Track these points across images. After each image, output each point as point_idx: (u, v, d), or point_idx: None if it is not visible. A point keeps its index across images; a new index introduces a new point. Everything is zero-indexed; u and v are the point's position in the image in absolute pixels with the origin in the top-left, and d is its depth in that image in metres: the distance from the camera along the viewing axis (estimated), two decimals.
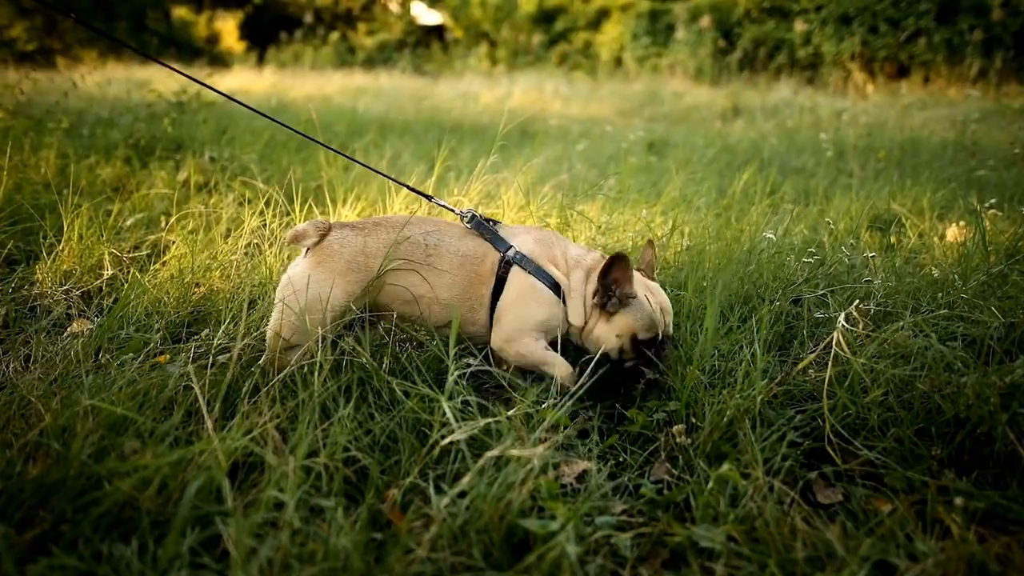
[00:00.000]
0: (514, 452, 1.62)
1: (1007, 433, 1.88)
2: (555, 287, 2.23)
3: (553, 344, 2.24)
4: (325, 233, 2.22)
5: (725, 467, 1.75)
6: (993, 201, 3.99)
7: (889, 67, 14.55)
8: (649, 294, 2.24)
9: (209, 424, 1.64)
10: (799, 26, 15.23)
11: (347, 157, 2.51)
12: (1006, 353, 2.39)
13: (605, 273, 2.16)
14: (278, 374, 2.00)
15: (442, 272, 2.24)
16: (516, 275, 2.23)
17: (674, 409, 2.12)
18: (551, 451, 1.67)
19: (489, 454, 1.62)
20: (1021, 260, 2.81)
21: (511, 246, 2.25)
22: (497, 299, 2.24)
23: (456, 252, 2.25)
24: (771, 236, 2.87)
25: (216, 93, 2.51)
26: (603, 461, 2.00)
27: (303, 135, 2.62)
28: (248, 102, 9.06)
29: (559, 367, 2.20)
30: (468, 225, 2.31)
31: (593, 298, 2.22)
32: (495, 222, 2.38)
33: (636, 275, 2.27)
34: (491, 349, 2.28)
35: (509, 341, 2.21)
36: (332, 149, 2.73)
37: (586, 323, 2.23)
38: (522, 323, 2.20)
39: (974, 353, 2.27)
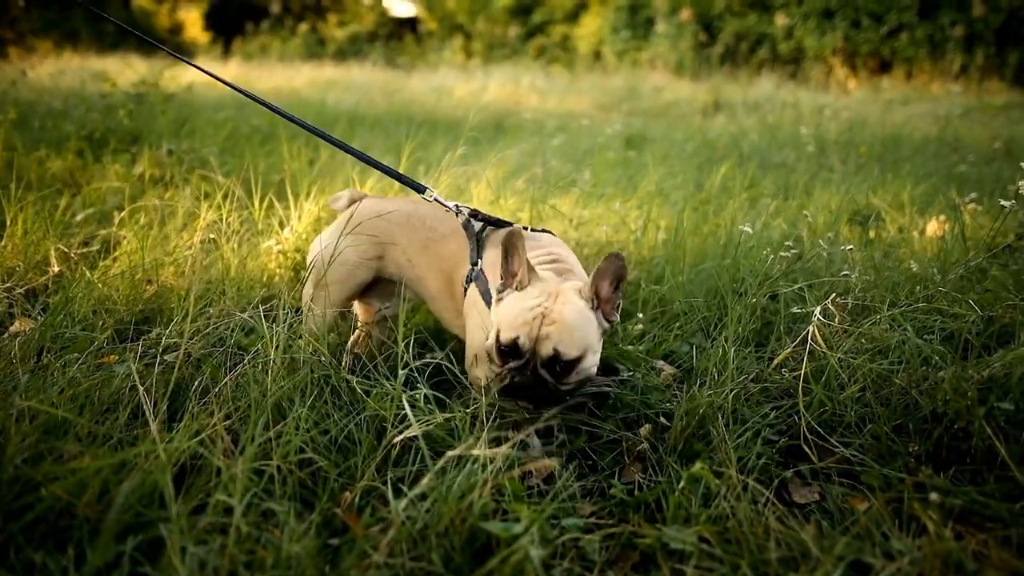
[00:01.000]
0: (476, 452, 1.59)
1: (984, 428, 1.89)
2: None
3: None
4: (357, 201, 2.43)
5: (697, 466, 1.74)
6: (973, 196, 4.04)
7: (871, 62, 14.75)
8: (545, 295, 1.88)
9: (153, 425, 1.59)
10: (780, 20, 15.39)
11: (358, 154, 2.47)
12: (984, 347, 2.41)
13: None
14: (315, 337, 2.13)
15: (431, 261, 2.23)
16: (471, 292, 2.10)
17: (640, 407, 2.11)
18: (516, 450, 1.65)
19: (450, 453, 1.59)
20: (999, 254, 2.84)
21: (479, 259, 2.13)
22: None
23: (445, 248, 2.21)
24: (747, 229, 2.87)
25: (222, 84, 2.52)
26: (571, 461, 1.98)
27: (317, 131, 2.52)
28: (212, 95, 8.93)
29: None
30: (463, 226, 2.22)
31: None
32: (500, 221, 2.23)
33: (549, 272, 2.02)
34: None
35: (468, 367, 2.08)
36: (343, 146, 2.54)
37: None
38: (469, 347, 2.07)
39: (952, 347, 2.28)
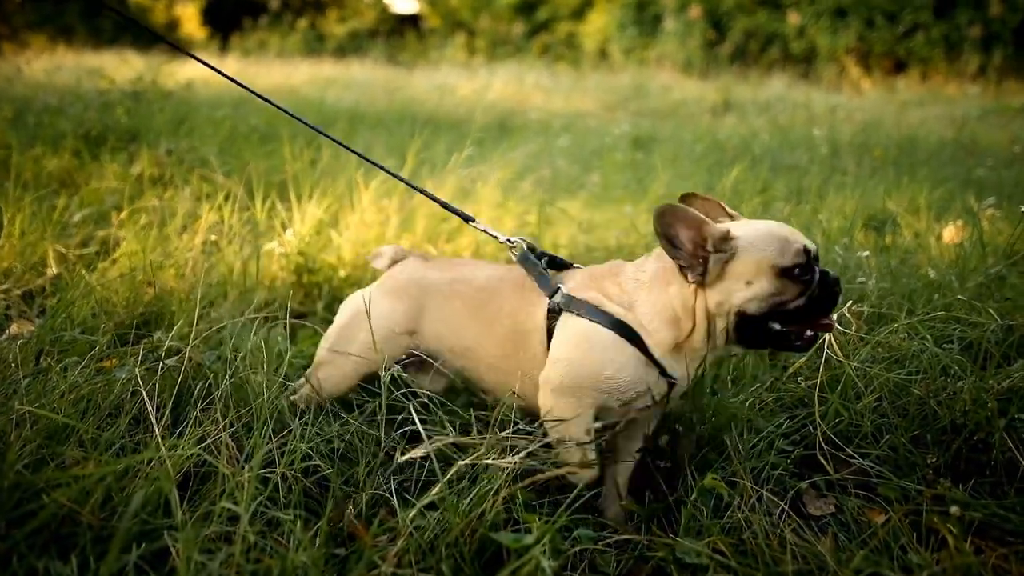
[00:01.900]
0: (488, 462, 1.60)
1: (1004, 440, 1.90)
2: (621, 327, 1.78)
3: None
4: (399, 260, 2.19)
5: (708, 477, 1.75)
6: (991, 201, 4.05)
7: (886, 62, 14.77)
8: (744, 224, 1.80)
9: (157, 431, 1.61)
10: (792, 18, 15.42)
11: (384, 169, 2.32)
12: (1004, 357, 2.42)
13: (667, 237, 1.72)
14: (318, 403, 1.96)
15: (484, 325, 1.96)
16: (565, 321, 1.84)
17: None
18: (527, 459, 1.66)
19: (461, 463, 1.61)
20: (1019, 261, 2.85)
21: (558, 288, 1.88)
22: None
23: (503, 304, 1.95)
24: None
25: (228, 80, 2.39)
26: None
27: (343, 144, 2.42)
28: (209, 92, 8.97)
29: (580, 462, 1.76)
30: (514, 258, 1.99)
31: (684, 275, 1.75)
32: (557, 259, 2.03)
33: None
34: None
35: (550, 391, 1.81)
36: (367, 160, 2.40)
37: (693, 326, 1.76)
38: (574, 376, 1.78)
39: (971, 357, 2.29)
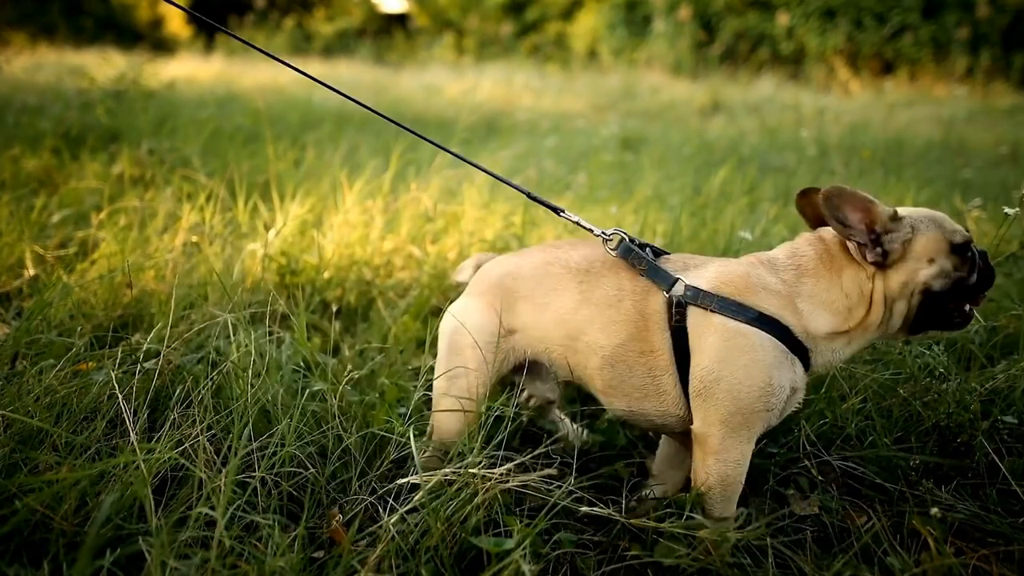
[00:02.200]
0: (473, 471, 1.59)
1: (986, 442, 1.92)
2: (772, 325, 1.66)
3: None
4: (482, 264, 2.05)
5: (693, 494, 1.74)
6: (978, 202, 4.08)
7: (874, 63, 14.87)
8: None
9: (133, 435, 1.60)
10: (782, 19, 15.50)
11: (456, 156, 2.21)
12: (988, 358, 2.44)
13: (837, 219, 1.69)
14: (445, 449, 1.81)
15: (596, 310, 1.78)
16: (698, 319, 1.69)
17: None
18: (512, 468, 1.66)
19: (444, 470, 1.60)
20: (1004, 262, 2.88)
21: (677, 279, 1.74)
22: (683, 365, 1.71)
23: (614, 285, 1.79)
24: (747, 236, 2.89)
25: (312, 81, 2.35)
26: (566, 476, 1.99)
27: (397, 122, 2.41)
28: (193, 92, 8.93)
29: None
30: (613, 252, 1.82)
31: (861, 257, 1.71)
32: (656, 249, 1.88)
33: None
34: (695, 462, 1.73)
35: (718, 425, 1.65)
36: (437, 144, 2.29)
37: (868, 311, 1.71)
38: (736, 395, 1.63)
39: (955, 358, 2.31)
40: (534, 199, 2.05)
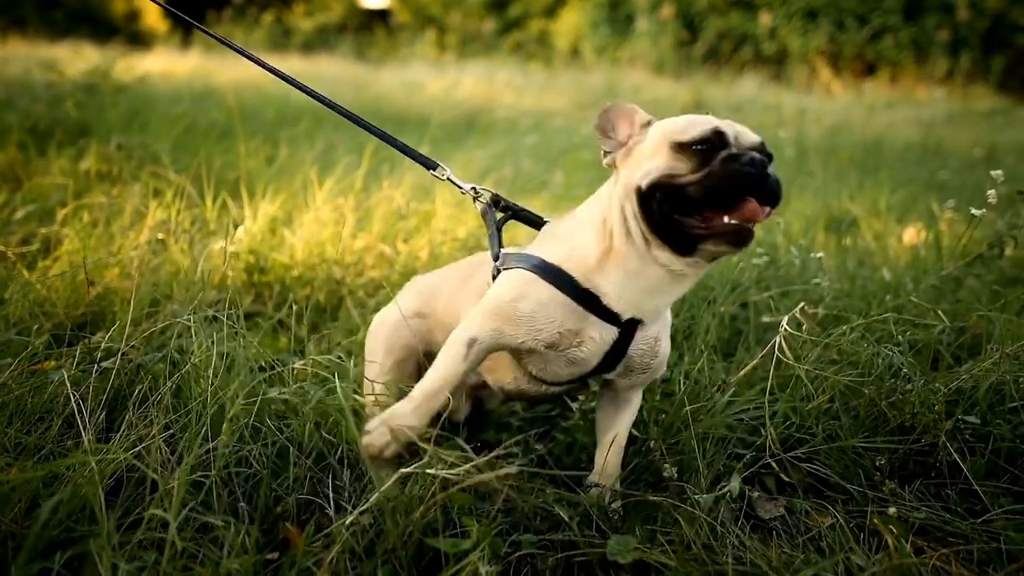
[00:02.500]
0: (436, 472, 1.57)
1: (949, 442, 1.94)
2: (543, 267, 1.68)
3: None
4: None
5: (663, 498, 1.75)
6: (951, 203, 4.13)
7: (856, 64, 15.02)
8: None
9: (85, 436, 1.58)
10: (764, 19, 15.62)
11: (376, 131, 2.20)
12: (955, 358, 2.47)
13: (602, 129, 1.71)
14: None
15: (469, 291, 1.90)
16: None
17: None
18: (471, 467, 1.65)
19: (404, 471, 1.59)
20: (973, 263, 2.91)
21: (500, 250, 1.83)
22: None
23: (486, 271, 1.89)
24: None
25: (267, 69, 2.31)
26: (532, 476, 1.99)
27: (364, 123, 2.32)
28: (168, 86, 8.84)
29: (433, 375, 1.67)
30: (482, 213, 1.96)
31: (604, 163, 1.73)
32: (527, 213, 1.96)
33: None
34: None
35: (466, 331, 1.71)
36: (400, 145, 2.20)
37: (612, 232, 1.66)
38: (482, 304, 1.72)
39: (923, 359, 2.33)
40: (406, 152, 2.13)
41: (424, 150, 3.51)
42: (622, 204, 1.63)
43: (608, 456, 1.86)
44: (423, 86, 11.40)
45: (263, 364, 2.07)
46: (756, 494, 1.98)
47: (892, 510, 1.66)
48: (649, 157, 1.61)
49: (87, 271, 2.67)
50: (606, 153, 1.73)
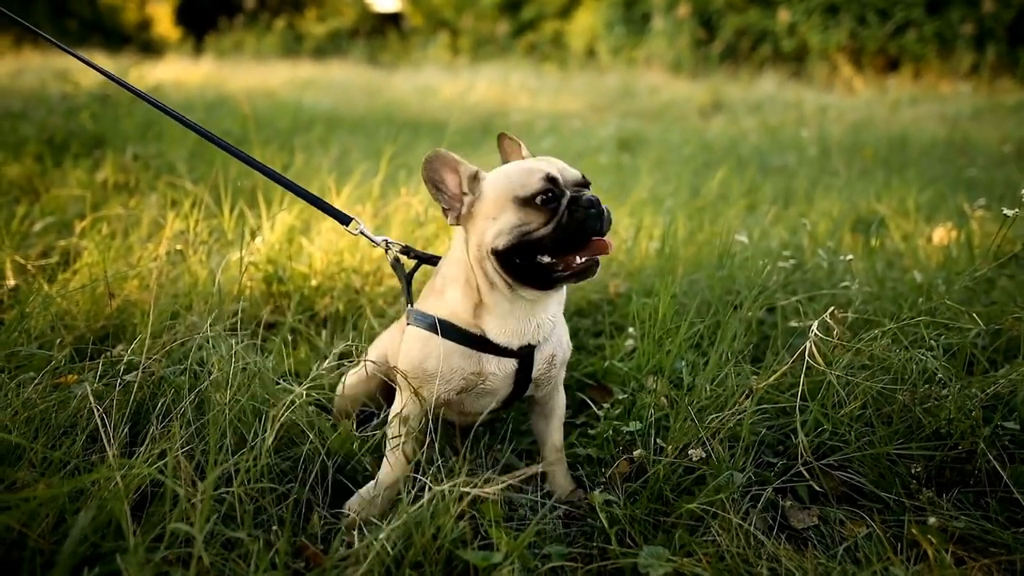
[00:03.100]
0: (469, 491, 1.57)
1: (988, 449, 1.92)
2: (439, 326, 1.82)
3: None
4: None
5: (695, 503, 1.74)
6: (982, 202, 4.08)
7: (878, 60, 14.89)
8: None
9: (109, 451, 1.59)
10: (783, 16, 15.53)
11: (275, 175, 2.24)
12: (990, 362, 2.44)
13: (433, 183, 1.78)
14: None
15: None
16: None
17: (637, 429, 2.12)
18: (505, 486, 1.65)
19: (438, 489, 1.58)
20: (1007, 263, 2.87)
21: (409, 303, 1.98)
22: None
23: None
24: (743, 239, 2.89)
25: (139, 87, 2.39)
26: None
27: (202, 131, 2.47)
28: (180, 94, 8.93)
29: (386, 468, 1.83)
30: (392, 265, 2.08)
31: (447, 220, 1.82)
32: (435, 258, 2.08)
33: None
34: None
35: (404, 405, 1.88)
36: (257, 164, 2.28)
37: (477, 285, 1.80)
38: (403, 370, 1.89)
39: (957, 363, 2.30)
40: (321, 207, 2.18)
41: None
42: (481, 265, 1.76)
43: (554, 468, 2.03)
44: (436, 90, 11.46)
45: (285, 374, 2.07)
46: (788, 503, 1.96)
47: (932, 520, 1.64)
48: (494, 216, 1.71)
49: (108, 284, 2.70)
50: (446, 211, 1.81)
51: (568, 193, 1.69)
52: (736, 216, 3.89)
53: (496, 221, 1.69)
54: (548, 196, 1.67)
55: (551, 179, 1.68)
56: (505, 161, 1.94)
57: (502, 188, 1.71)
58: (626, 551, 1.67)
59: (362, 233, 2.11)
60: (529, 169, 1.72)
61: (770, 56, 15.71)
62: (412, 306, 1.93)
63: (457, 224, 1.80)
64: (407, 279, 2.03)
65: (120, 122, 5.61)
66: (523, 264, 1.70)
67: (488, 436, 2.22)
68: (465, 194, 1.77)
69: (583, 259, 1.69)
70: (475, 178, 1.76)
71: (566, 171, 1.76)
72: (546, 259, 1.69)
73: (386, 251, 2.09)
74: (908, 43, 14.46)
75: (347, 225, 2.14)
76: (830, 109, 9.87)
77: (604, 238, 1.71)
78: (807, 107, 10.15)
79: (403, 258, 2.11)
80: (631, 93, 12.18)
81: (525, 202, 1.68)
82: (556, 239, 1.66)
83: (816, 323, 2.09)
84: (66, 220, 3.64)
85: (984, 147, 7.21)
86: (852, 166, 6.03)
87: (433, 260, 2.08)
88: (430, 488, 1.59)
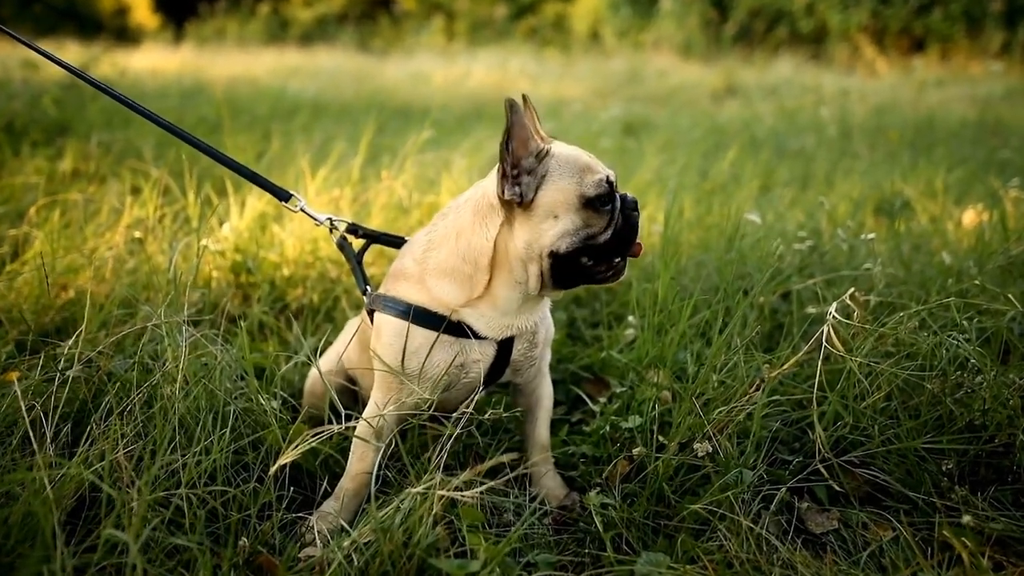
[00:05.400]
0: (446, 494, 1.48)
1: None
2: (417, 314, 1.73)
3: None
4: None
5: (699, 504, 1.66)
6: (1016, 182, 3.99)
7: (903, 41, 14.80)
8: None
9: (39, 452, 1.51)
10: None
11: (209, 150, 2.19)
12: None
13: (507, 143, 1.63)
14: None
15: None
16: (377, 319, 1.83)
17: (636, 425, 2.03)
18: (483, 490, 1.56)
19: (413, 490, 1.49)
20: None
21: (366, 286, 1.92)
22: None
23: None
24: (754, 218, 2.80)
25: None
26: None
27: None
28: (156, 82, 8.88)
29: (353, 465, 1.77)
30: (338, 245, 2.04)
31: (501, 195, 1.67)
32: (388, 237, 2.03)
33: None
34: None
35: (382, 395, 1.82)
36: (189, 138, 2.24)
37: (491, 279, 1.72)
38: (374, 390, 1.83)
39: (990, 349, 2.21)
40: (256, 181, 2.10)
41: (426, 136, 3.44)
42: (524, 263, 1.68)
43: (540, 468, 1.96)
44: (430, 77, 11.39)
45: (243, 373, 1.99)
46: (805, 505, 1.88)
47: (967, 519, 1.55)
48: (556, 214, 1.64)
49: (49, 273, 2.62)
50: (503, 179, 1.65)
51: (618, 197, 1.70)
52: (748, 198, 3.80)
53: (559, 221, 1.64)
54: (607, 198, 1.66)
55: (609, 182, 1.67)
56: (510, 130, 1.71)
57: (568, 185, 1.64)
58: (622, 558, 1.58)
59: (302, 210, 2.04)
60: (591, 167, 1.68)
61: (786, 38, 15.63)
62: (372, 291, 1.86)
63: (520, 205, 1.65)
64: (357, 260, 1.97)
65: (86, 108, 5.55)
66: (571, 267, 1.69)
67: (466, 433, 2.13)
68: (529, 173, 1.64)
69: (619, 260, 1.73)
70: (542, 156, 1.65)
71: (610, 171, 1.74)
72: (589, 261, 1.69)
73: (330, 231, 2.02)
74: (934, 22, 14.37)
75: (286, 201, 2.06)
76: (852, 92, 9.77)
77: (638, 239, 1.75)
78: (827, 90, 10.05)
79: (351, 237, 2.03)
80: (638, 78, 12.10)
81: (588, 203, 1.64)
82: (613, 244, 1.68)
83: (835, 305, 2.01)
84: (21, 209, 3.56)
85: (1017, 128, 7.12)
86: (876, 148, 5.94)
87: (386, 240, 2.02)
88: (400, 489, 1.50)
